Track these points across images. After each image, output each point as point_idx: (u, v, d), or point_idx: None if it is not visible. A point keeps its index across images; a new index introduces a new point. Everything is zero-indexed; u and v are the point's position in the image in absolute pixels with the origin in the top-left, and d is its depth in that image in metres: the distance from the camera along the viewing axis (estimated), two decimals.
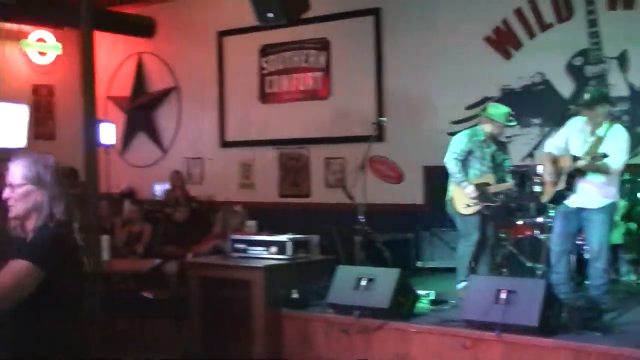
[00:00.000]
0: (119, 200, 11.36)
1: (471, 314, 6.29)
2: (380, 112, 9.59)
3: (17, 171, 3.40)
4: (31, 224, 3.41)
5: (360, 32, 9.91)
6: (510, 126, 7.58)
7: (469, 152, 7.39)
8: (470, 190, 7.31)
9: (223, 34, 11.19)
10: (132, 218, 10.39)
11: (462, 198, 7.40)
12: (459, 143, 7.40)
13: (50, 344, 3.37)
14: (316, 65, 10.23)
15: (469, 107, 9.18)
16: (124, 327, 8.58)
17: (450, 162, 7.38)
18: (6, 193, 3.38)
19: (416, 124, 9.52)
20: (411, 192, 9.55)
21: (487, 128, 7.39)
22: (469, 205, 7.37)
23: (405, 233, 8.98)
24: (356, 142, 9.47)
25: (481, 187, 7.35)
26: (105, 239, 8.19)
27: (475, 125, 7.68)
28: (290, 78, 10.49)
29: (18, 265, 3.29)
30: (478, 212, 7.37)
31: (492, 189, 7.38)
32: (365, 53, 9.84)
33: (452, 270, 7.79)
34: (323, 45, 10.21)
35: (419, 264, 9.02)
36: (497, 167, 7.52)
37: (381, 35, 9.77)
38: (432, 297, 7.22)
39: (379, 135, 8.99)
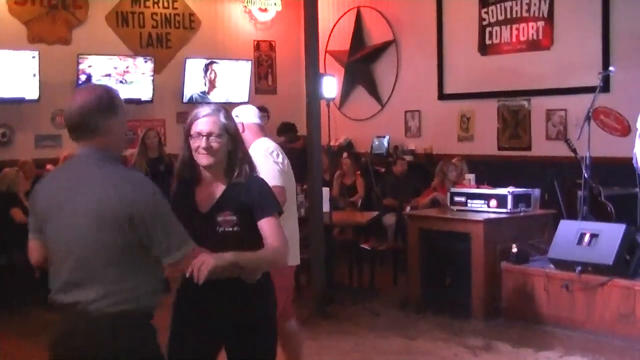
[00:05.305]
0: (337, 153, 11.61)
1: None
2: (606, 61, 9.18)
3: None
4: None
5: None
6: None
7: None
8: None
9: None
10: (346, 171, 10.61)
11: None
12: None
13: None
14: (538, 14, 9.92)
15: None
16: (343, 276, 8.85)
17: None
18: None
19: None
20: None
21: None
22: None
23: (631, 188, 8.61)
24: (579, 94, 9.13)
25: None
26: (325, 191, 8.43)
27: None
28: (510, 28, 10.24)
29: (276, 221, 3.48)
30: None
31: None
32: None
33: None
34: None
35: None
36: None
37: None
38: None
39: (605, 85, 8.62)
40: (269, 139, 5.17)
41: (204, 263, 3.06)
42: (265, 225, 3.41)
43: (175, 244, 3.04)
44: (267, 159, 4.74)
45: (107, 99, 3.08)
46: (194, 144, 3.44)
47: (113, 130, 3.09)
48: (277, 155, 4.96)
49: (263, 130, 5.14)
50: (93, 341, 3.00)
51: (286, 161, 5.02)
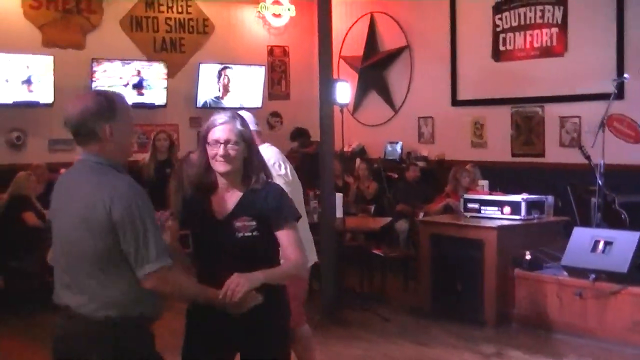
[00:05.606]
0: (349, 158, 11.60)
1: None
2: (620, 68, 9.14)
3: None
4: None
5: None
6: None
7: None
8: None
9: None
10: (362, 176, 10.60)
11: None
12: None
13: None
14: (552, 20, 9.89)
15: None
16: (354, 282, 8.84)
17: None
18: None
19: None
20: None
21: None
22: None
23: None
24: (593, 100, 9.10)
25: None
26: (338, 197, 8.42)
27: None
28: (524, 35, 10.22)
29: (294, 232, 3.50)
30: None
31: None
32: (605, 4, 9.37)
33: None
34: None
35: None
36: None
37: None
38: None
39: (619, 92, 8.59)
40: (270, 144, 5.15)
41: (239, 284, 3.13)
42: (284, 237, 3.44)
43: (149, 256, 2.99)
44: None
45: (105, 104, 3.09)
46: (211, 151, 3.45)
47: (114, 136, 3.09)
48: (280, 166, 4.95)
49: (260, 136, 5.12)
50: (80, 345, 3.01)
51: (288, 168, 5.02)
